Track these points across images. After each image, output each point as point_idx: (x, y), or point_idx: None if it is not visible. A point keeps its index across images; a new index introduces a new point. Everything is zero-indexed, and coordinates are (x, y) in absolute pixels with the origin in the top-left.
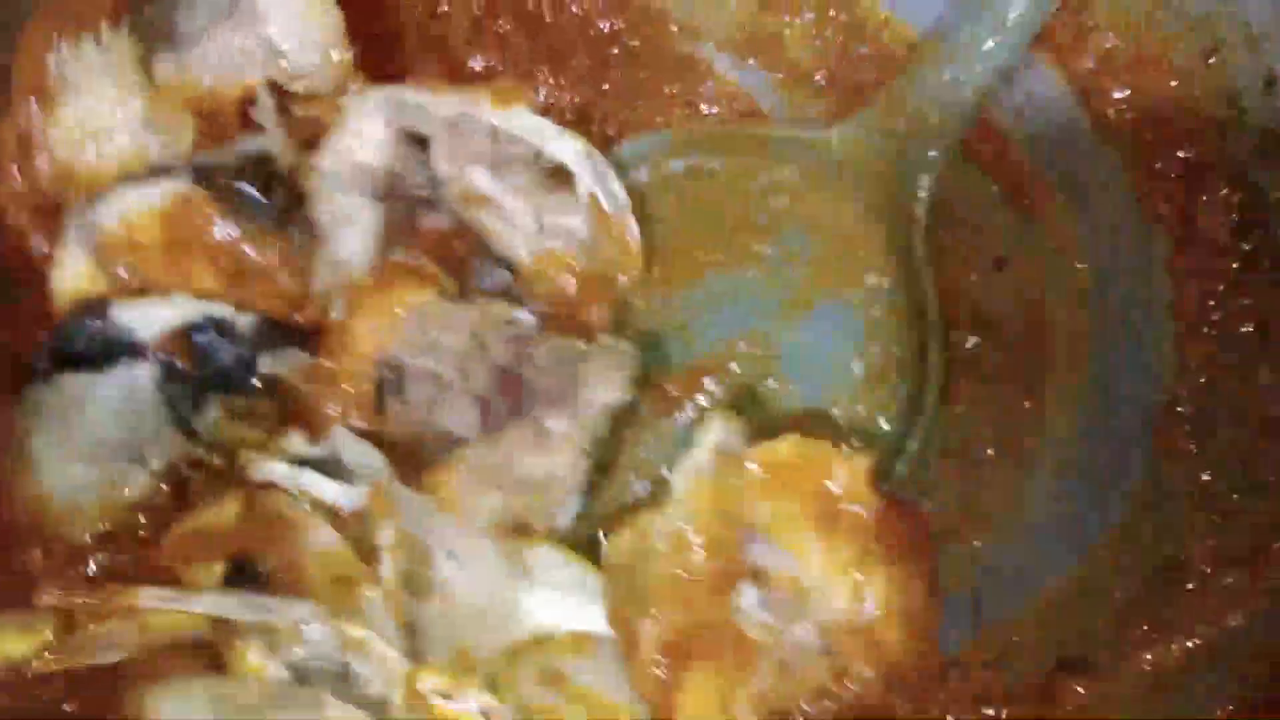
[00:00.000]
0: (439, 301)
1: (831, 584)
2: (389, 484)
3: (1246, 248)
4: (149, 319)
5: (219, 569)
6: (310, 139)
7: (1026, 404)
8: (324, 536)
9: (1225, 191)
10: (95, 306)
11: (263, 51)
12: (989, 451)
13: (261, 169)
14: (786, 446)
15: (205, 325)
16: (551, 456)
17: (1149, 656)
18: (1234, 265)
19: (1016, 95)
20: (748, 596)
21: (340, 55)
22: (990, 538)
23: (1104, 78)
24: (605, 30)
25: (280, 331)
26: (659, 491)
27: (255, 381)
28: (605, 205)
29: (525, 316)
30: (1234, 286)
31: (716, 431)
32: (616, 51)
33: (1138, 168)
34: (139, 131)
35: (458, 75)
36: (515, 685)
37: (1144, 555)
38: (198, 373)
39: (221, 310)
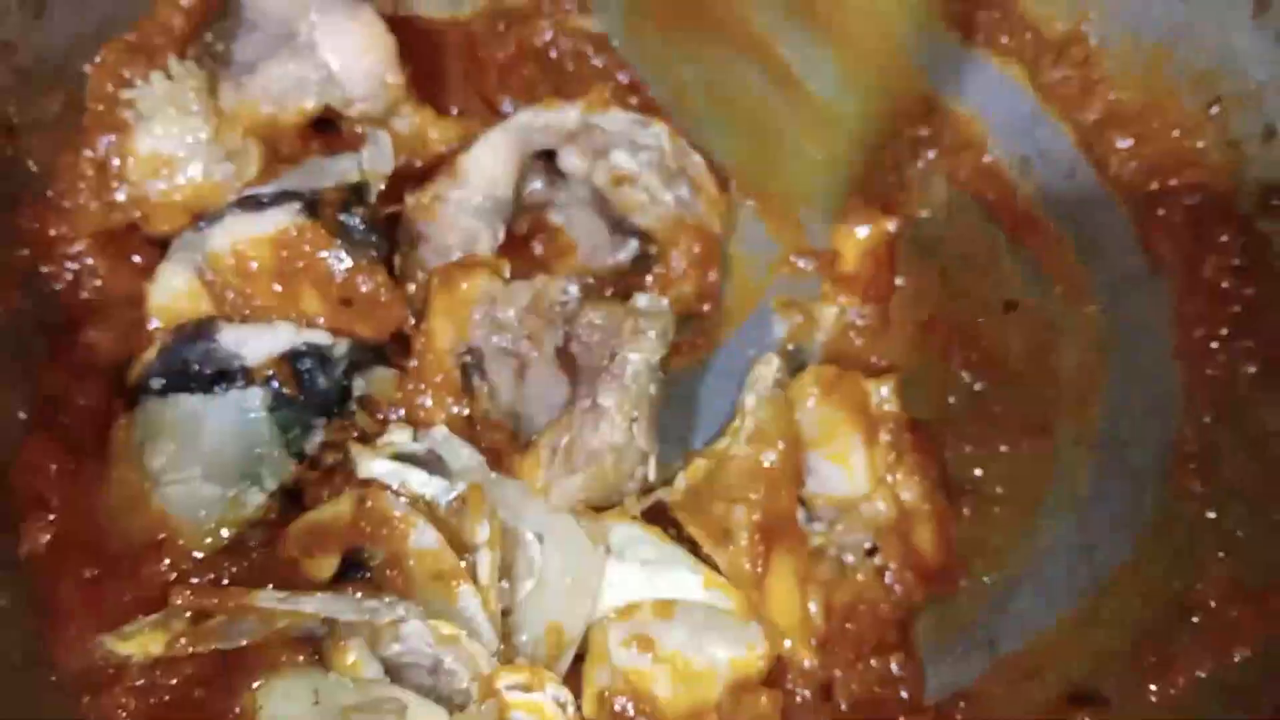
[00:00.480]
0: (498, 285)
1: (873, 490)
2: (485, 479)
3: (1249, 292)
4: (255, 344)
5: (334, 561)
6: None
7: (1037, 443)
8: (426, 537)
9: (1227, 239)
10: (205, 328)
11: (319, 77)
12: (998, 489)
13: (355, 198)
14: (830, 368)
15: (307, 352)
16: (608, 430)
17: (1156, 688)
18: (1236, 309)
19: (1025, 146)
20: (801, 516)
21: (394, 79)
22: (1002, 573)
23: (1109, 129)
24: (624, 81)
25: (371, 353)
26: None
27: (352, 405)
28: (691, 172)
29: (572, 289)
30: (1237, 330)
31: (775, 363)
32: (635, 101)
33: (1143, 216)
34: (210, 159)
35: (494, 113)
36: (607, 650)
37: (1154, 589)
38: (301, 398)
39: (321, 337)
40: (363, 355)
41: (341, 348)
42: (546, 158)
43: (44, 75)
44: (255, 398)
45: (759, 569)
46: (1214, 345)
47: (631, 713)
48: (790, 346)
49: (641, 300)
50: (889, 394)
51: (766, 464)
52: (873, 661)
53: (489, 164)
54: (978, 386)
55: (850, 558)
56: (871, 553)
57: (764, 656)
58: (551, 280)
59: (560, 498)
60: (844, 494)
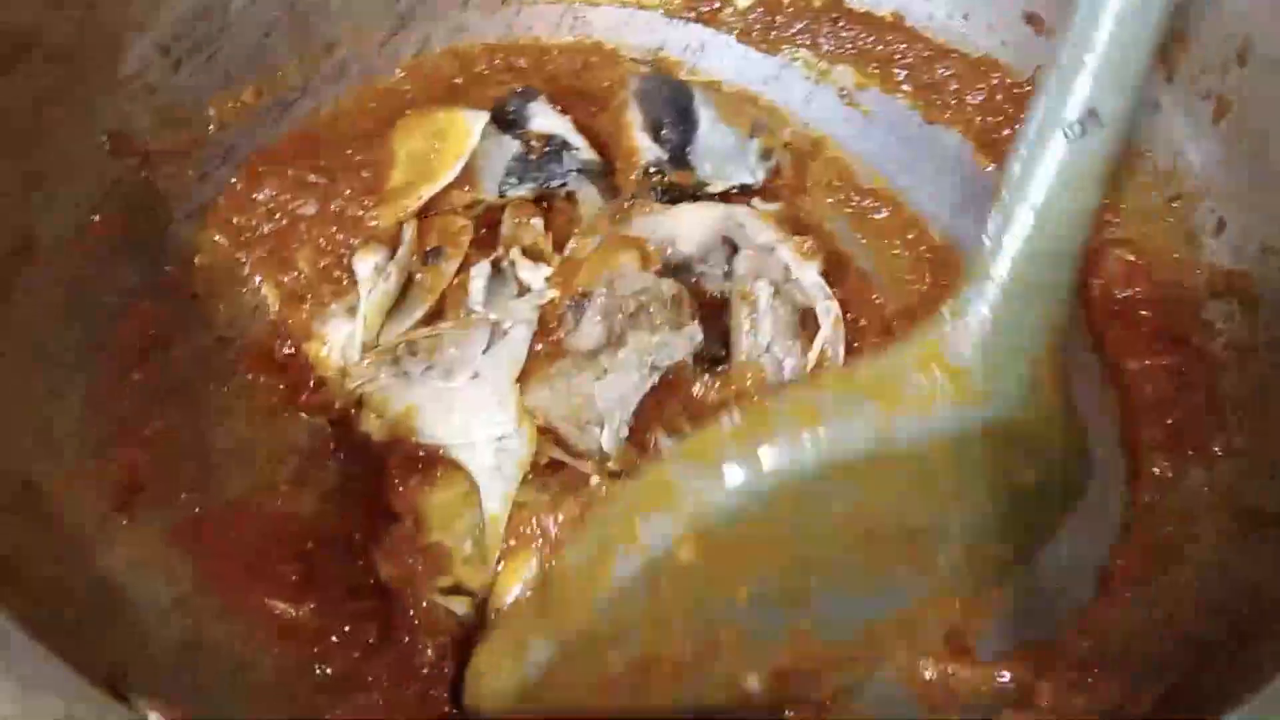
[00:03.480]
0: (636, 266)
1: None
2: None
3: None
4: (538, 120)
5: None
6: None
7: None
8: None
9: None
10: (526, 95)
11: None
12: None
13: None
14: None
15: (558, 138)
16: (586, 380)
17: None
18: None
19: None
20: None
21: None
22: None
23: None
24: None
25: (601, 176)
26: None
27: (563, 192)
28: (829, 357)
29: (671, 292)
30: (1180, 395)
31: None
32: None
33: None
34: None
35: None
36: None
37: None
38: (533, 160)
39: (577, 140)
40: (593, 170)
41: (584, 154)
42: (731, 246)
43: (176, 114)
44: (514, 145)
45: None
46: (1161, 411)
47: None
48: None
49: (690, 327)
50: None
51: None
52: None
53: (692, 223)
54: None
55: None
56: None
57: None
58: (663, 282)
59: (529, 396)
60: None
